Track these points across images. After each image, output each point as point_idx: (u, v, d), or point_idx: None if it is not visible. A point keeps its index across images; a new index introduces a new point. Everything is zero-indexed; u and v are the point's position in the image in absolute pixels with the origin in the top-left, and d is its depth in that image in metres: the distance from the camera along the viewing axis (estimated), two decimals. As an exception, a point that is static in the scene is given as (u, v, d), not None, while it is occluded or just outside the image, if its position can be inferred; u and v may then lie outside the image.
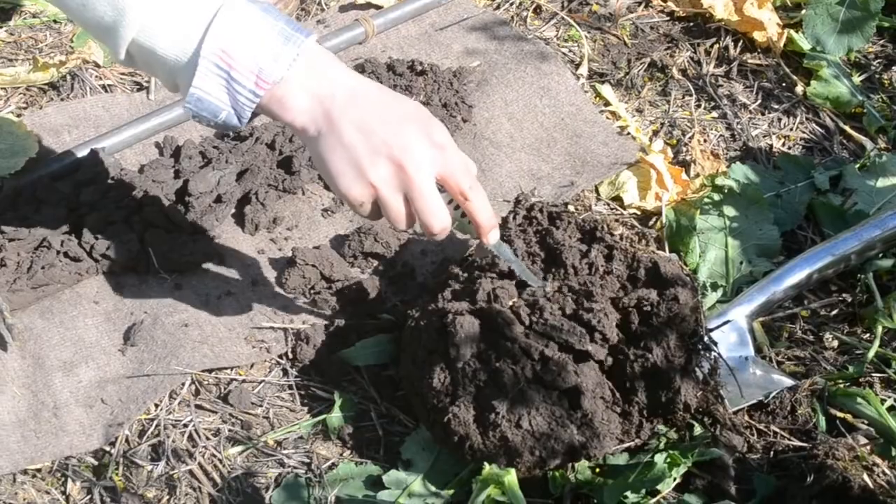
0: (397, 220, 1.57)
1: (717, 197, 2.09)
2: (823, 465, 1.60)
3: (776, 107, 2.38)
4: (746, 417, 1.74)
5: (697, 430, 1.69)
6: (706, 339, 1.67)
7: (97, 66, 2.36)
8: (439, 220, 1.56)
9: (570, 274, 1.77)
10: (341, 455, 1.72)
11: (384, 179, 1.53)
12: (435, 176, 1.55)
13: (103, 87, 2.34)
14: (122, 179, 2.02)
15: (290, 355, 1.84)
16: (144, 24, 1.48)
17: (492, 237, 1.65)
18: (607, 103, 2.35)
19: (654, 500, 1.62)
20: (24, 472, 1.70)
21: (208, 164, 2.07)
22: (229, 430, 1.74)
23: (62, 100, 2.30)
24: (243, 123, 1.55)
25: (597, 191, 2.16)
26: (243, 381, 1.81)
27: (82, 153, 2.09)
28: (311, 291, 1.92)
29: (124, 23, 1.48)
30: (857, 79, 2.44)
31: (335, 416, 1.74)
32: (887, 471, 1.64)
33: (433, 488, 1.64)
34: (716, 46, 2.51)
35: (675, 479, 1.61)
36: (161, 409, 1.76)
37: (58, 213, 1.95)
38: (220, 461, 1.70)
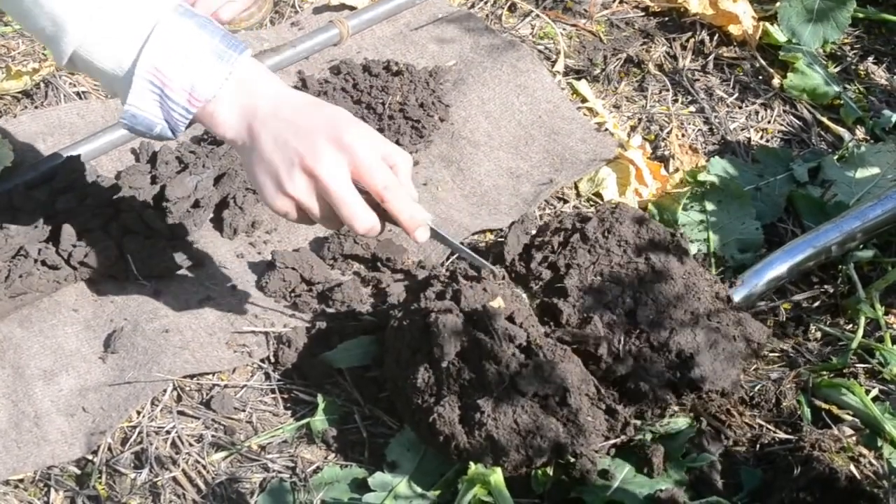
0: (328, 224, 1.64)
1: (698, 192, 2.09)
2: (810, 457, 1.60)
3: (753, 100, 2.38)
4: (732, 411, 1.74)
5: (684, 423, 1.69)
6: None
7: (71, 73, 2.35)
8: (362, 222, 1.59)
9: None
10: (326, 458, 1.71)
11: (301, 190, 1.57)
12: (350, 178, 1.58)
13: (77, 93, 2.32)
14: (99, 186, 2.01)
15: (272, 359, 1.83)
16: (84, 38, 1.53)
17: (419, 235, 1.65)
18: (584, 100, 2.35)
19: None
20: (6, 482, 1.68)
21: (185, 169, 2.06)
22: (212, 436, 1.73)
23: (36, 108, 2.28)
24: (177, 136, 1.60)
25: (576, 188, 2.15)
26: (225, 386, 1.80)
27: (58, 161, 2.07)
28: (292, 294, 1.92)
29: (65, 38, 1.53)
30: (833, 70, 2.45)
31: (319, 420, 1.73)
32: (874, 461, 1.64)
33: (419, 489, 1.63)
34: (691, 41, 2.51)
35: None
36: (143, 417, 1.75)
37: (34, 222, 1.93)
38: (204, 467, 1.69)
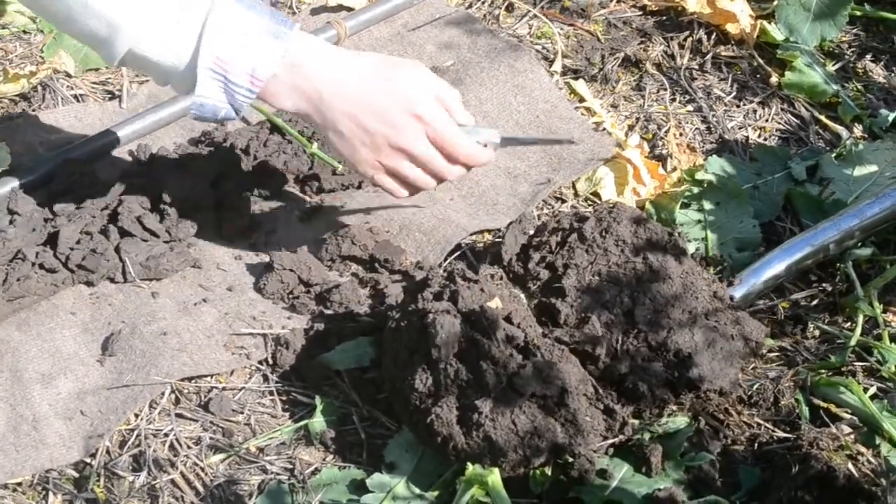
0: (424, 183, 1.89)
1: (696, 191, 2.09)
2: (808, 456, 1.59)
3: (751, 98, 2.38)
4: (731, 410, 1.74)
5: (682, 422, 1.69)
6: None
7: (68, 75, 2.35)
8: (477, 157, 1.88)
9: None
10: (324, 460, 1.71)
11: (398, 165, 1.83)
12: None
13: (75, 96, 2.32)
14: (97, 189, 2.01)
15: (271, 361, 1.83)
16: (139, 36, 1.62)
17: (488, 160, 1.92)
18: (582, 99, 2.35)
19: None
20: (5, 486, 1.68)
21: (183, 171, 2.06)
22: (210, 438, 1.73)
23: (33, 111, 2.28)
24: (240, 115, 1.74)
25: (574, 187, 2.15)
26: (223, 388, 1.80)
27: (55, 164, 2.07)
28: (290, 296, 1.92)
29: (119, 38, 1.62)
30: (831, 68, 2.45)
31: (317, 421, 1.73)
32: (872, 459, 1.64)
33: (417, 490, 1.63)
34: (689, 40, 2.51)
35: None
36: (141, 419, 1.75)
37: (32, 225, 1.93)
38: (203, 470, 1.69)
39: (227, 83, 1.67)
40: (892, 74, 2.47)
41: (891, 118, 2.28)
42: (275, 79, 1.70)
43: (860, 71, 2.48)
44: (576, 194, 2.15)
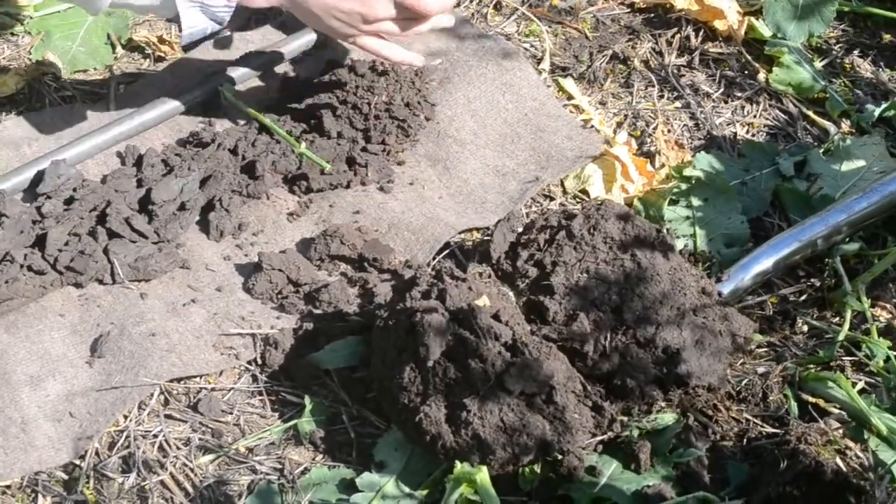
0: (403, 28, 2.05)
1: (684, 187, 2.09)
2: (796, 451, 1.60)
3: (739, 95, 2.38)
4: (719, 406, 1.74)
5: (670, 419, 1.69)
6: None
7: (56, 77, 2.34)
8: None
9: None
10: (313, 460, 1.71)
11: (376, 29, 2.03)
12: None
13: (62, 98, 2.32)
14: (85, 190, 2.01)
15: (260, 361, 1.83)
16: None
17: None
18: (570, 97, 2.35)
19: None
20: (-6, 488, 1.69)
21: (171, 171, 2.06)
22: (200, 439, 1.73)
23: (21, 112, 2.28)
24: (224, 25, 1.96)
25: (562, 185, 2.15)
26: (213, 388, 1.80)
27: (43, 165, 2.07)
28: (279, 296, 1.92)
29: None
30: (818, 64, 2.45)
31: (306, 421, 1.73)
32: (860, 454, 1.65)
33: (407, 489, 1.63)
34: (677, 36, 2.51)
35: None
36: (130, 421, 1.75)
37: (20, 227, 1.93)
38: (192, 470, 1.69)
39: (204, 6, 1.88)
40: (880, 70, 2.47)
41: (877, 113, 2.29)
42: None
43: (848, 66, 2.48)
44: (564, 192, 2.15)
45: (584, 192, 2.13)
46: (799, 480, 1.56)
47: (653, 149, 2.22)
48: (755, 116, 2.33)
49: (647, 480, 1.61)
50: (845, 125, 2.31)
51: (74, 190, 2.02)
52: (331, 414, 1.75)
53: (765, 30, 2.48)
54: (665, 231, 1.83)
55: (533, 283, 1.81)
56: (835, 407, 1.75)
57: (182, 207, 2.01)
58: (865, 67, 2.48)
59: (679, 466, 1.65)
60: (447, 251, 2.00)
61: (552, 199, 2.14)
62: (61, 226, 1.93)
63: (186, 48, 2.04)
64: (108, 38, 2.44)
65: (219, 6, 1.88)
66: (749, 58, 2.46)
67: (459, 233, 2.03)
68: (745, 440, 1.70)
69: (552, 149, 2.20)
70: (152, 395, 1.78)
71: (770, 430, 1.71)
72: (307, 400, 1.75)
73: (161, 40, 2.43)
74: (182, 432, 1.74)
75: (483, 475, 1.53)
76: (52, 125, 2.24)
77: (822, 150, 2.20)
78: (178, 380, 1.80)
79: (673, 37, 2.51)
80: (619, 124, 2.31)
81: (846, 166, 2.15)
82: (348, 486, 1.64)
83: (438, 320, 1.61)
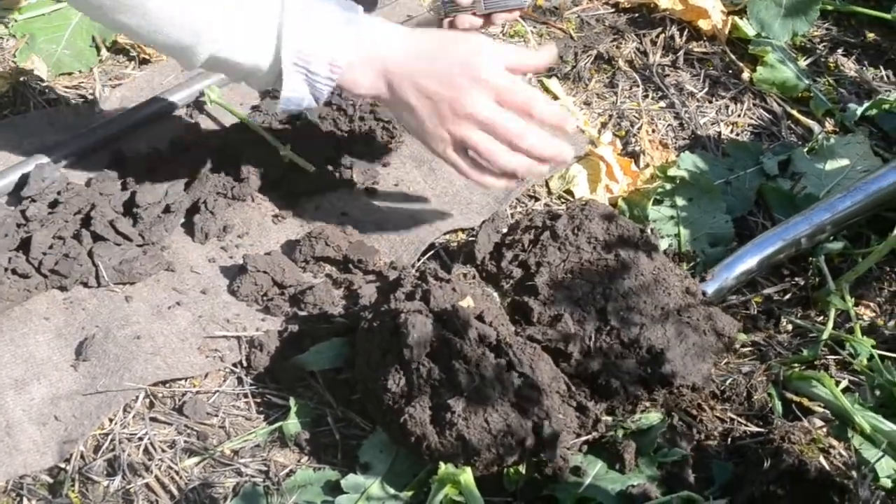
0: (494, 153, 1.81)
1: (668, 187, 2.09)
2: (780, 450, 1.60)
3: (723, 94, 2.39)
4: (704, 405, 1.75)
5: (655, 418, 1.69)
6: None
7: (40, 80, 2.34)
8: (539, 100, 1.82)
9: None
10: (299, 461, 1.71)
11: (466, 132, 1.79)
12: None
13: (47, 101, 2.32)
14: (69, 193, 2.01)
15: (245, 363, 1.83)
16: (221, 41, 1.71)
17: (569, 125, 1.85)
18: (555, 97, 2.35)
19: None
20: (-21, 492, 1.68)
21: (155, 174, 2.05)
22: (185, 442, 1.73)
23: (5, 116, 2.27)
24: (321, 103, 1.79)
25: (547, 185, 2.16)
26: (198, 391, 1.80)
27: (28, 169, 2.06)
28: (264, 298, 1.92)
29: (201, 43, 1.70)
30: (802, 63, 2.46)
31: (291, 423, 1.73)
32: (843, 452, 1.65)
33: (392, 490, 1.63)
34: (661, 36, 2.52)
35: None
36: (115, 424, 1.75)
37: (4, 230, 1.93)
38: (177, 473, 1.69)
39: (309, 74, 1.74)
40: (864, 68, 2.48)
41: (859, 112, 2.29)
42: (350, 65, 1.75)
43: (832, 65, 2.49)
44: (549, 192, 2.15)
45: (569, 192, 2.14)
46: (783, 479, 1.56)
47: (637, 149, 2.23)
48: (739, 116, 2.34)
49: (631, 480, 1.61)
50: (829, 124, 2.31)
51: (59, 193, 2.02)
52: (316, 416, 1.75)
53: (749, 29, 2.49)
54: (649, 231, 1.84)
55: (517, 284, 1.82)
56: (819, 406, 1.75)
57: (167, 210, 2.01)
58: (849, 66, 2.49)
59: (664, 466, 1.65)
60: (432, 252, 2.00)
61: (537, 199, 2.14)
62: (46, 229, 1.93)
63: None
64: (93, 40, 2.43)
65: (321, 77, 1.75)
66: (733, 57, 2.47)
67: (444, 234, 2.03)
68: (729, 439, 1.71)
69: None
70: (137, 397, 1.78)
71: (754, 429, 1.72)
72: (292, 402, 1.75)
73: (146, 42, 2.43)
74: (167, 435, 1.74)
75: (467, 476, 1.53)
76: (36, 128, 2.23)
77: (806, 149, 2.20)
78: (164, 383, 1.80)
79: (657, 36, 2.52)
80: (604, 124, 2.32)
81: (830, 165, 2.15)
82: (333, 488, 1.64)
83: (422, 322, 1.62)
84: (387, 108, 1.88)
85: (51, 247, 1.91)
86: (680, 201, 2.07)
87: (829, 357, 1.84)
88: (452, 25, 2.19)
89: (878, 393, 1.75)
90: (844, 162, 2.15)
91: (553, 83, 2.37)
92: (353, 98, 2.22)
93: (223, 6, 1.70)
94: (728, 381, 1.77)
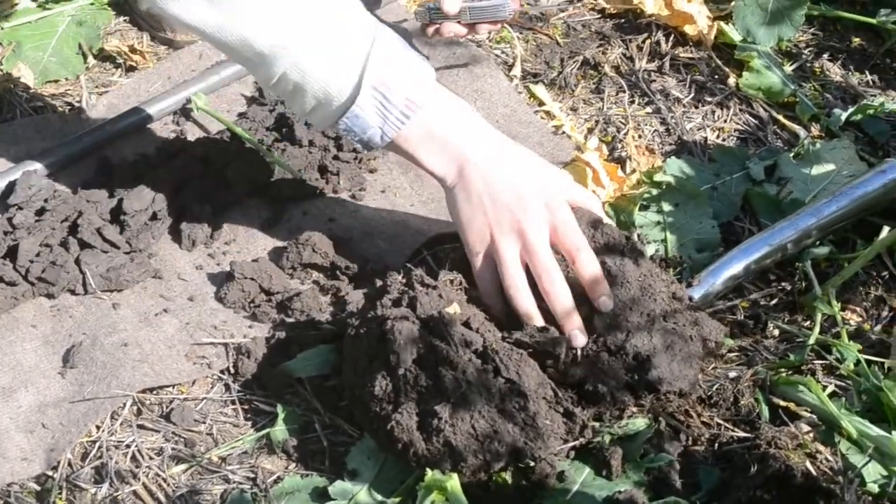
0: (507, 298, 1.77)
1: (655, 192, 2.10)
2: (766, 455, 1.60)
3: (709, 99, 2.39)
4: (690, 411, 1.75)
5: (642, 424, 1.69)
6: None
7: (27, 87, 2.34)
8: (591, 260, 1.75)
9: None
10: (286, 468, 1.71)
11: (508, 247, 1.75)
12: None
13: (34, 108, 2.32)
14: (56, 201, 2.01)
15: (232, 370, 1.83)
16: (304, 54, 1.70)
17: (603, 304, 1.73)
18: (541, 103, 2.35)
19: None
20: (-34, 501, 1.68)
21: (142, 181, 2.05)
22: (172, 449, 1.73)
23: (-8, 123, 2.28)
24: (384, 142, 1.78)
25: (534, 191, 2.16)
26: (185, 398, 1.80)
27: (14, 176, 2.06)
28: (251, 305, 1.92)
29: (285, 53, 1.70)
30: (788, 68, 2.46)
31: (279, 430, 1.73)
32: (830, 457, 1.66)
33: (380, 497, 1.63)
34: (647, 42, 2.52)
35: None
36: (103, 431, 1.75)
37: (-9, 238, 1.93)
38: (165, 480, 1.69)
39: (385, 102, 1.72)
40: (850, 73, 2.49)
41: (843, 117, 2.30)
42: (420, 124, 1.76)
43: (817, 70, 2.49)
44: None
45: (556, 198, 2.14)
46: (769, 484, 1.57)
47: (624, 154, 2.23)
48: (725, 121, 2.35)
49: (618, 486, 1.61)
50: (815, 129, 2.32)
51: (46, 201, 2.02)
52: (303, 422, 1.75)
53: (735, 34, 2.49)
54: (636, 237, 1.84)
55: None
56: (805, 411, 1.76)
57: (154, 217, 2.01)
58: (835, 71, 2.49)
59: (651, 472, 1.65)
60: (419, 258, 2.00)
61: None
62: (33, 237, 1.93)
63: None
64: (80, 48, 2.43)
65: (395, 111, 1.74)
66: (719, 62, 2.48)
67: (431, 240, 2.03)
68: (716, 445, 1.70)
69: (524, 155, 2.21)
70: (125, 405, 1.78)
71: (741, 434, 1.72)
72: (280, 409, 1.75)
73: (132, 50, 2.44)
74: (155, 442, 1.74)
75: (454, 482, 1.53)
76: (23, 136, 2.24)
77: (792, 154, 2.20)
78: (151, 390, 1.80)
79: (643, 42, 2.52)
80: (590, 130, 2.32)
81: (816, 170, 2.16)
82: (321, 495, 1.64)
83: (409, 328, 1.62)
84: (446, 195, 1.83)
85: (38, 254, 1.91)
86: (666, 207, 2.07)
87: (815, 362, 1.84)
88: (437, 33, 2.20)
89: (864, 398, 1.76)
90: (830, 167, 2.16)
91: (539, 89, 2.37)
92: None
93: (316, 24, 1.70)
94: (715, 387, 1.77)
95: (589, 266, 1.74)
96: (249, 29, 1.68)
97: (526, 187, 1.76)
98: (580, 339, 1.69)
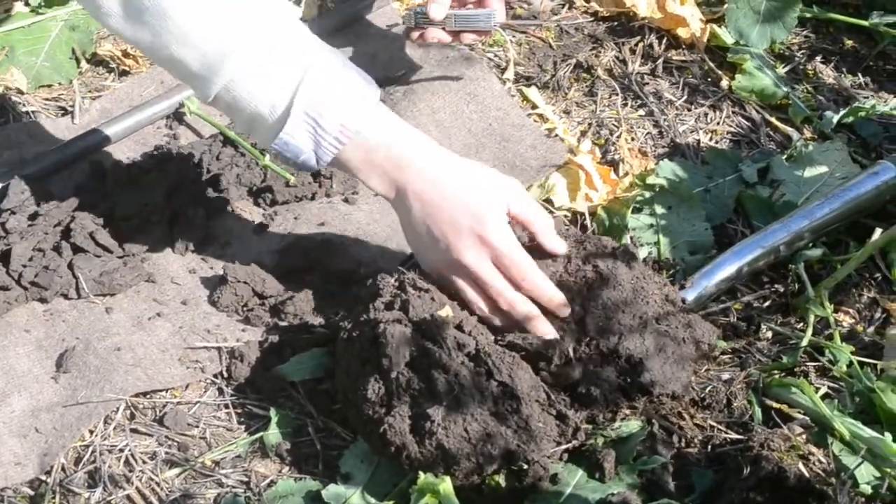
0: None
1: (648, 195, 2.10)
2: (759, 457, 1.60)
3: (702, 102, 2.39)
4: (684, 413, 1.75)
5: (635, 426, 1.70)
6: None
7: (20, 92, 2.34)
8: (538, 280, 1.74)
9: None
10: (280, 472, 1.71)
11: (456, 276, 1.75)
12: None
13: (27, 113, 2.32)
14: (49, 205, 2.01)
15: (225, 374, 1.83)
16: (238, 76, 1.67)
17: (562, 312, 1.74)
18: (534, 106, 2.35)
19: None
20: (-41, 506, 1.68)
21: (135, 185, 2.05)
22: (166, 453, 1.73)
23: (-15, 128, 2.27)
24: (321, 166, 1.75)
25: (527, 194, 2.16)
26: (178, 402, 1.79)
27: (7, 181, 2.06)
28: (244, 309, 1.92)
29: (219, 75, 1.67)
30: (781, 70, 2.47)
31: (272, 433, 1.73)
32: (822, 459, 1.66)
33: (373, 500, 1.63)
34: (640, 45, 2.52)
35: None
36: (96, 435, 1.74)
37: (-16, 243, 1.93)
38: (158, 484, 1.69)
39: (318, 128, 1.69)
40: (842, 75, 2.49)
41: (835, 120, 2.30)
42: (357, 147, 1.73)
43: (810, 72, 2.49)
44: (529, 201, 2.15)
45: (549, 200, 2.13)
46: (762, 486, 1.57)
47: (616, 157, 2.23)
48: (718, 123, 2.35)
49: (611, 489, 1.61)
50: (808, 131, 2.32)
51: (39, 205, 2.02)
52: (297, 426, 1.75)
53: (727, 37, 2.49)
54: (629, 240, 1.84)
55: (497, 293, 1.82)
56: (798, 412, 1.76)
57: (147, 221, 2.01)
58: (828, 73, 2.50)
59: (644, 474, 1.65)
60: (411, 262, 2.00)
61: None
62: (25, 241, 1.92)
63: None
64: (73, 52, 2.44)
65: (328, 137, 1.70)
66: (712, 65, 2.48)
67: (424, 243, 2.03)
68: (709, 447, 1.71)
69: (516, 158, 2.21)
70: (118, 409, 1.78)
71: (734, 436, 1.72)
72: (273, 412, 1.75)
73: (126, 54, 2.43)
74: (148, 446, 1.74)
75: (447, 485, 1.54)
76: (16, 140, 2.24)
77: (784, 157, 2.21)
78: (144, 394, 1.80)
79: (636, 45, 2.52)
80: (583, 133, 2.32)
81: (809, 172, 2.16)
82: (315, 499, 1.64)
83: (401, 331, 1.62)
84: (393, 208, 1.81)
85: (31, 259, 1.91)
86: (659, 209, 2.07)
87: (808, 364, 1.84)
88: (422, 38, 2.20)
89: (857, 399, 1.76)
90: (823, 169, 2.16)
91: (532, 92, 2.37)
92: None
93: (247, 48, 1.66)
94: (708, 389, 1.77)
95: (540, 284, 1.74)
96: (178, 50, 1.66)
97: (460, 218, 1.72)
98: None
